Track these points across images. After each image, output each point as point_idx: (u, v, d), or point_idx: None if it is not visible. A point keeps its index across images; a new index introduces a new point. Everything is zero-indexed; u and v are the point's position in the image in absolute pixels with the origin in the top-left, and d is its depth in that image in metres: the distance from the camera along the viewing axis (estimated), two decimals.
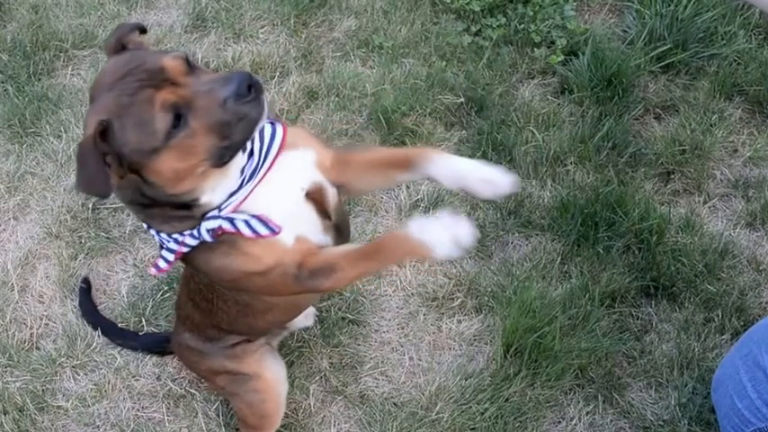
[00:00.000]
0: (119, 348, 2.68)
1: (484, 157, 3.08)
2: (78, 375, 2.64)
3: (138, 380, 2.63)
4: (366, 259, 1.83)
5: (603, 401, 2.57)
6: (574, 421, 2.54)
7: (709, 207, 3.02)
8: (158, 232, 1.81)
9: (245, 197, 1.77)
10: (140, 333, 2.71)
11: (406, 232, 1.75)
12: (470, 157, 3.05)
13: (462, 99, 3.29)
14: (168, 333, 2.60)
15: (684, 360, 2.63)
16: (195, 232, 1.77)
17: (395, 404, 2.57)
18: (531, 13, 3.55)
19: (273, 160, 1.80)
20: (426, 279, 2.83)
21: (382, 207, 3.01)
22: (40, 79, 3.40)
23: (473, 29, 3.56)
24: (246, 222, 1.76)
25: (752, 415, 2.19)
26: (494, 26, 3.54)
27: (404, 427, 2.51)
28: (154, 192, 1.68)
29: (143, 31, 1.79)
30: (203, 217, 1.76)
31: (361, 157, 2.00)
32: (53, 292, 2.81)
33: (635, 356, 2.65)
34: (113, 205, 2.99)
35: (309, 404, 2.58)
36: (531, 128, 3.19)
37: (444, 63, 3.41)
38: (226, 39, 3.58)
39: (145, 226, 1.84)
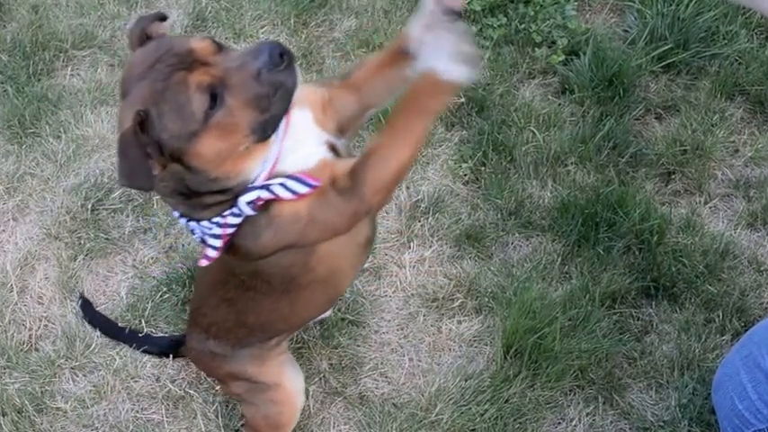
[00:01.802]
0: (117, 349, 2.68)
1: (484, 157, 3.08)
2: (77, 377, 2.64)
3: (137, 381, 2.62)
4: (398, 121, 1.75)
5: (604, 402, 2.56)
6: (574, 422, 2.53)
7: (710, 207, 3.02)
8: (199, 222, 1.78)
9: (274, 162, 1.75)
10: (140, 334, 2.70)
11: (421, 73, 1.70)
12: (471, 157, 3.08)
13: (463, 99, 3.28)
14: (179, 336, 2.59)
15: (685, 361, 2.62)
16: (235, 209, 1.75)
17: (394, 405, 2.57)
18: (532, 13, 3.54)
19: (287, 120, 1.77)
20: (426, 280, 2.83)
21: (382, 208, 3.01)
22: (39, 80, 3.39)
23: (474, 28, 3.55)
24: (283, 185, 1.73)
25: (752, 416, 2.19)
26: (494, 26, 3.53)
27: (403, 429, 2.50)
28: (197, 178, 1.67)
29: (163, 18, 1.77)
30: (239, 193, 1.74)
31: (356, 79, 1.96)
32: (52, 293, 2.81)
33: (635, 357, 2.65)
34: (113, 206, 2.99)
35: (309, 405, 2.57)
36: (531, 128, 3.18)
37: None
38: (226, 39, 3.57)
39: (182, 221, 1.82)
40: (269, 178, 1.74)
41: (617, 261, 2.82)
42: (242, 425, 2.47)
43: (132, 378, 2.63)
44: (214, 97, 1.58)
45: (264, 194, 1.73)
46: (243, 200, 1.73)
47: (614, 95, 3.25)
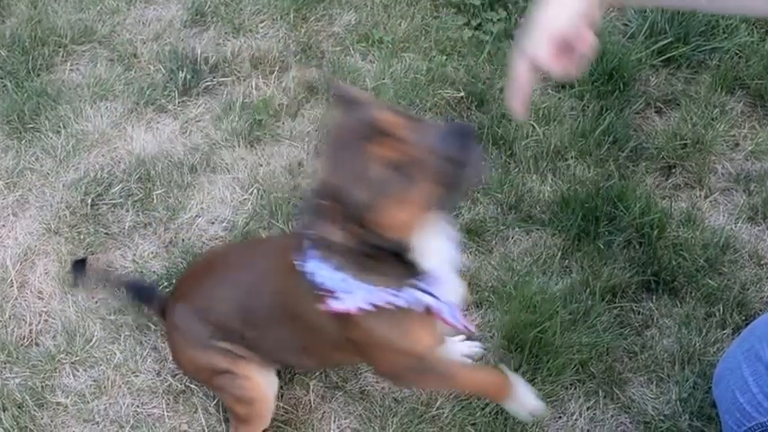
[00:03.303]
0: (118, 344, 2.67)
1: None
2: (77, 371, 2.64)
3: (137, 376, 2.62)
4: (470, 386, 2.32)
5: (604, 396, 2.56)
6: (575, 416, 2.53)
7: (711, 201, 3.01)
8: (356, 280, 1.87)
9: (444, 285, 1.92)
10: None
11: (511, 385, 2.23)
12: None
13: (463, 93, 3.28)
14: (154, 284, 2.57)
15: (685, 355, 2.62)
16: (409, 297, 1.88)
17: (395, 400, 2.56)
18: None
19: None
20: None
21: None
22: (39, 75, 3.39)
23: (473, 23, 3.55)
24: (450, 308, 1.94)
25: (753, 409, 2.18)
26: (494, 20, 3.52)
27: (404, 423, 2.50)
28: (373, 238, 1.74)
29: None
30: (410, 279, 1.87)
31: None
32: (52, 288, 2.81)
33: (636, 351, 2.64)
34: (112, 201, 2.98)
35: (309, 400, 2.57)
36: (531, 122, 3.17)
37: (444, 57, 3.40)
38: (225, 33, 3.57)
39: (326, 271, 1.89)
40: (436, 294, 1.91)
41: (617, 255, 2.82)
42: None
43: (133, 373, 2.63)
44: (399, 170, 1.65)
45: (433, 306, 1.92)
46: (418, 297, 1.89)
47: (614, 89, 3.25)
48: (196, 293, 2.32)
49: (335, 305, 1.89)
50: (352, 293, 1.89)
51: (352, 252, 1.75)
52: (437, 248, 1.88)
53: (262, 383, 2.31)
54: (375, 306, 1.89)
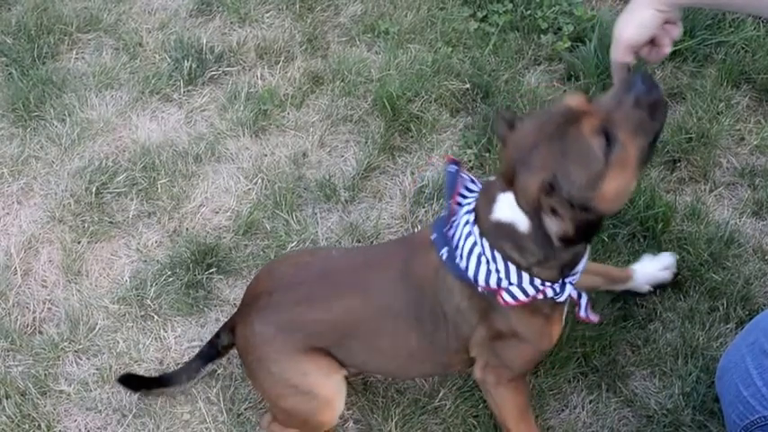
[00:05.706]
0: (120, 333, 2.68)
1: (489, 143, 3.07)
2: (80, 360, 2.64)
3: (140, 365, 2.63)
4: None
5: (607, 390, 2.56)
6: (577, 410, 2.53)
7: (715, 195, 3.00)
8: (523, 272, 1.90)
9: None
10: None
11: None
12: (475, 143, 3.07)
13: (468, 85, 3.27)
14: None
15: (689, 349, 2.62)
16: (558, 288, 1.94)
17: (398, 391, 2.56)
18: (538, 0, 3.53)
19: None
20: None
21: (387, 193, 3.00)
22: (44, 63, 3.39)
23: (479, 15, 3.54)
24: (588, 300, 2.04)
25: (757, 402, 2.18)
26: (500, 12, 3.51)
27: (406, 414, 2.50)
28: (592, 216, 1.80)
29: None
30: (564, 272, 1.94)
31: None
32: (56, 276, 2.81)
33: (639, 345, 2.64)
34: (117, 190, 2.99)
35: None
36: None
37: (450, 49, 3.40)
38: (231, 23, 3.56)
39: (494, 266, 1.91)
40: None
41: (621, 248, 2.81)
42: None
43: (135, 361, 2.63)
44: (607, 138, 1.71)
45: (574, 295, 2.00)
46: (568, 288, 1.96)
47: None
48: (283, 303, 2.20)
49: (509, 299, 1.90)
50: (521, 283, 1.90)
51: (548, 241, 1.79)
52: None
53: (337, 412, 2.26)
54: (538, 293, 1.92)
